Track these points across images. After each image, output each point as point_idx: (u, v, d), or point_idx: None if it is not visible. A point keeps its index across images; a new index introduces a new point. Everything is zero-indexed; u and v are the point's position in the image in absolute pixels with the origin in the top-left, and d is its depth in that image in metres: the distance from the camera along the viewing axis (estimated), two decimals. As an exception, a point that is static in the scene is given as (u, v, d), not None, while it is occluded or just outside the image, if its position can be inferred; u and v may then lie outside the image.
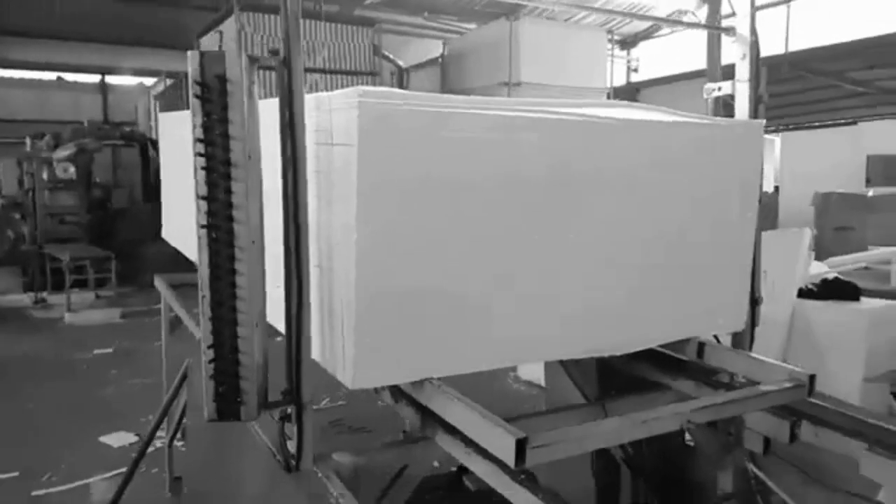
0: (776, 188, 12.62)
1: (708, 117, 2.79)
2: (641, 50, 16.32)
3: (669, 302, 2.62)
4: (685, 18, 6.25)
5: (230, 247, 1.86)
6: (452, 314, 2.12)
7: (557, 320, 2.35)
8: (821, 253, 9.07)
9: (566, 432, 1.89)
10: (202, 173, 1.84)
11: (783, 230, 6.91)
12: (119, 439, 5.55)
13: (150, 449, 5.26)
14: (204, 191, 1.84)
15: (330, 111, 2.08)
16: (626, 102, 2.56)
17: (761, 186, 2.84)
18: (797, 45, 11.98)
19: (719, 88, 2.86)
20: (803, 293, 5.61)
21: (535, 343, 2.32)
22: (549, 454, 1.79)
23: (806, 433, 2.36)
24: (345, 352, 2.04)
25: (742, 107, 2.81)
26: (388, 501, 2.23)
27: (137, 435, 5.71)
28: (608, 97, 11.77)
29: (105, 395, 7.00)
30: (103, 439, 5.66)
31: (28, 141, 13.96)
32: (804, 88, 13.83)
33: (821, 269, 6.54)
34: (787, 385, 2.28)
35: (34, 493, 4.75)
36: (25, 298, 12.08)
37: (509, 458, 1.76)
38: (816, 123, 14.36)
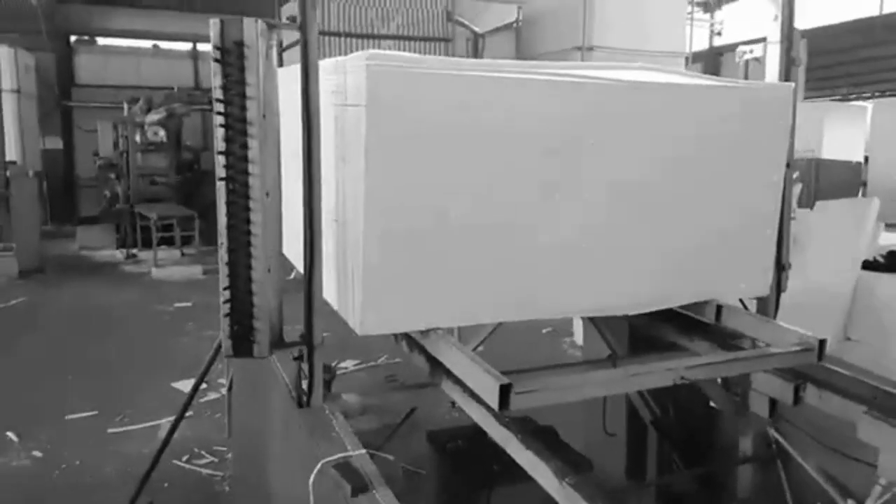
0: (865, 157, 12.04)
1: (735, 80, 2.76)
2: (726, 13, 15.68)
3: (689, 264, 2.64)
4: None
5: (246, 198, 2.03)
6: (458, 266, 2.23)
7: (569, 277, 2.42)
8: (906, 225, 8.63)
9: (550, 381, 1.98)
10: (220, 130, 2.00)
11: (849, 199, 6.65)
12: (189, 386, 5.92)
13: (216, 396, 5.67)
14: (222, 146, 2.01)
15: (345, 73, 2.20)
16: (643, 65, 2.57)
17: (791, 151, 2.80)
18: (893, 6, 11.26)
19: (751, 51, 2.82)
20: (869, 265, 5.42)
21: (541, 299, 2.40)
22: (531, 401, 1.88)
23: (811, 396, 2.36)
24: (354, 299, 2.19)
25: (774, 69, 2.77)
26: (400, 443, 2.38)
27: (206, 382, 6.10)
28: (686, 62, 11.42)
29: (181, 344, 7.48)
30: (175, 385, 6.08)
31: (125, 105, 14.74)
32: (901, 52, 13.01)
33: (894, 241, 6.27)
34: (794, 349, 2.28)
35: (110, 431, 5.19)
36: (118, 254, 12.90)
37: (494, 402, 1.86)
38: (915, 89, 13.51)
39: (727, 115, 2.56)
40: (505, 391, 1.84)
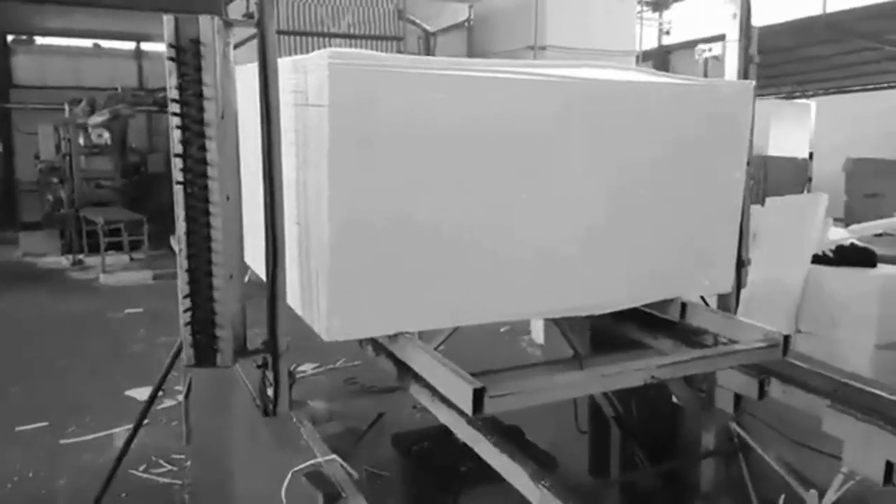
0: (810, 154, 12.37)
1: (695, 78, 2.78)
2: (674, 12, 15.94)
3: (654, 262, 2.64)
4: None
5: (205, 202, 1.96)
6: (425, 269, 2.19)
7: (535, 278, 2.40)
8: (851, 219, 8.90)
9: (523, 384, 1.96)
10: (177, 132, 1.93)
11: (799, 195, 6.82)
12: (144, 394, 5.74)
13: (172, 403, 5.53)
14: (179, 149, 1.93)
15: (305, 73, 2.15)
16: (610, 63, 2.57)
17: (751, 148, 2.83)
18: (835, 5, 11.59)
19: (710, 49, 2.85)
20: (819, 259, 5.55)
21: (509, 301, 2.38)
22: (505, 404, 1.86)
23: (776, 391, 2.39)
24: (319, 305, 2.13)
25: (732, 67, 2.80)
26: (365, 447, 2.34)
27: (162, 390, 5.94)
28: (637, 60, 11.56)
29: (133, 351, 7.28)
30: (129, 393, 5.92)
31: (66, 107, 14.29)
32: (841, 51, 13.41)
33: (842, 235, 6.45)
34: (760, 345, 2.30)
35: (62, 442, 5.01)
36: (63, 260, 12.49)
37: (467, 407, 1.83)
38: (855, 87, 13.94)
39: (691, 113, 2.57)
40: (478, 395, 1.81)
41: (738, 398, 2.52)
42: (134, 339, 7.73)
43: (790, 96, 15.22)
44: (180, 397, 5.22)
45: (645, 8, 14.95)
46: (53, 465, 4.67)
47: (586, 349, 3.23)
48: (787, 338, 2.30)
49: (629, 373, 2.07)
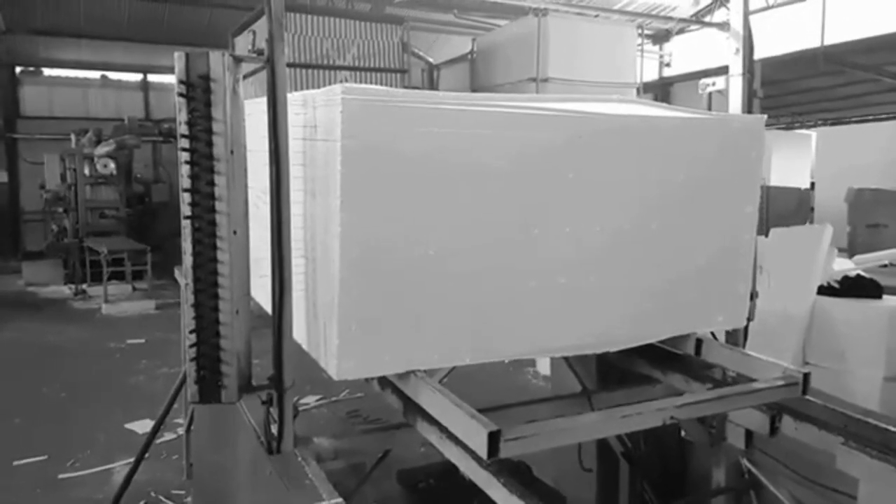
0: (812, 184, 12.41)
1: (706, 112, 2.77)
2: (675, 45, 16.06)
3: (668, 298, 2.59)
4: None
5: (212, 237, 1.94)
6: (436, 306, 2.16)
7: (549, 315, 2.37)
8: (854, 249, 8.89)
9: (541, 426, 1.91)
10: (186, 167, 1.92)
11: (803, 226, 6.81)
12: (144, 426, 5.71)
13: (172, 436, 5.47)
14: (187, 183, 1.92)
15: (315, 108, 2.15)
16: (620, 97, 2.57)
17: (762, 182, 2.82)
18: (834, 37, 11.67)
19: (713, 83, 2.86)
20: (824, 290, 5.52)
21: (522, 338, 2.35)
22: (522, 447, 1.82)
23: (788, 427, 2.35)
24: (329, 343, 2.10)
25: (736, 101, 2.80)
26: (371, 484, 2.29)
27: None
28: (638, 92, 11.62)
29: (134, 383, 7.22)
30: (129, 426, 5.85)
31: (73, 137, 14.40)
32: (841, 83, 13.49)
33: (847, 266, 6.42)
34: (779, 383, 2.26)
35: (60, 477, 4.94)
36: (66, 290, 12.49)
37: (482, 450, 1.79)
38: (855, 118, 14.00)
39: (703, 148, 2.55)
40: (494, 438, 1.77)
41: (749, 434, 2.48)
42: (135, 370, 7.68)
43: (790, 127, 15.29)
44: (180, 430, 5.19)
45: (645, 40, 15.08)
46: (52, 501, 4.59)
47: (593, 383, 3.20)
48: (806, 375, 2.26)
49: (648, 413, 2.02)
